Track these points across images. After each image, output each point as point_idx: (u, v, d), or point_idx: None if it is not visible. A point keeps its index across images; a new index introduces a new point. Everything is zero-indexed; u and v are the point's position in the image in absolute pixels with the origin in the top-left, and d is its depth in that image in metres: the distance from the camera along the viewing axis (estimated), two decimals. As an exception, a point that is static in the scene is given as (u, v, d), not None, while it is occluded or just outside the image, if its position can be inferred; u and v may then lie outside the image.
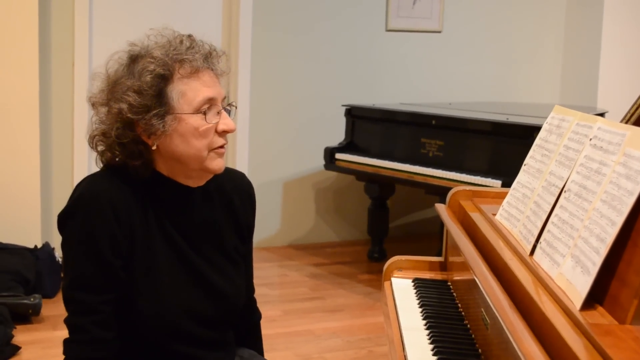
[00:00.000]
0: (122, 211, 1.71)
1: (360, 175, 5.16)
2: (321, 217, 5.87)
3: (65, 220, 1.73)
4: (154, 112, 1.70)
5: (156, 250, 1.77)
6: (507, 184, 4.09)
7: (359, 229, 5.87)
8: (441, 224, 5.07)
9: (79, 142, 4.87)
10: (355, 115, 5.22)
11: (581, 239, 1.46)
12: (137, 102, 1.70)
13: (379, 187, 5.19)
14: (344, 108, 5.27)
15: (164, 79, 1.72)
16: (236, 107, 1.88)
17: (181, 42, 1.76)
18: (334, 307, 4.47)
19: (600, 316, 1.31)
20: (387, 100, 5.65)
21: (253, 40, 5.42)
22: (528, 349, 1.27)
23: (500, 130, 4.44)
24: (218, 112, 1.76)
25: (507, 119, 4.54)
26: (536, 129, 4.14)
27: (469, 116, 4.71)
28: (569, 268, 1.46)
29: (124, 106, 1.70)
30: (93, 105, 1.79)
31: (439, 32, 5.98)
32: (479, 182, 4.29)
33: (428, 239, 5.70)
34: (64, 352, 1.73)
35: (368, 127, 5.17)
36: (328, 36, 5.67)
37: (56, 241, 4.59)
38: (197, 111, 1.73)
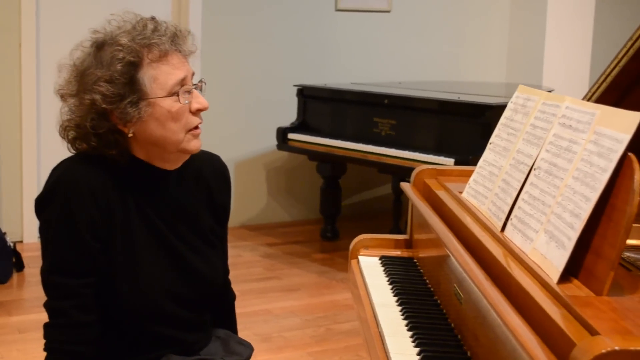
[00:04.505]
0: (100, 195, 1.71)
1: (313, 155, 5.18)
2: (273, 197, 5.88)
3: (43, 204, 1.72)
4: (128, 99, 1.70)
5: (135, 233, 1.77)
6: (460, 161, 4.15)
7: (311, 209, 5.90)
8: (394, 202, 5.16)
9: (27, 125, 4.77)
10: (307, 95, 5.24)
11: (554, 215, 1.51)
12: (110, 92, 1.69)
13: (331, 166, 5.23)
14: (296, 88, 5.28)
15: (134, 65, 1.71)
16: (205, 83, 1.88)
17: (145, 25, 1.75)
18: (290, 287, 4.51)
19: (577, 289, 1.36)
20: (338, 80, 5.67)
21: (203, 22, 5.38)
22: (512, 322, 1.31)
23: (451, 109, 4.51)
24: (189, 92, 1.77)
25: (459, 97, 4.60)
26: (487, 108, 4.21)
27: (421, 95, 4.77)
28: (543, 243, 1.50)
29: (97, 97, 1.69)
30: (62, 97, 1.77)
31: (388, 11, 6.02)
32: (432, 161, 4.34)
33: (380, 216, 5.77)
34: (45, 337, 1.73)
35: (320, 107, 5.19)
36: (278, 17, 5.66)
37: (5, 226, 4.54)
38: (170, 94, 1.73)
